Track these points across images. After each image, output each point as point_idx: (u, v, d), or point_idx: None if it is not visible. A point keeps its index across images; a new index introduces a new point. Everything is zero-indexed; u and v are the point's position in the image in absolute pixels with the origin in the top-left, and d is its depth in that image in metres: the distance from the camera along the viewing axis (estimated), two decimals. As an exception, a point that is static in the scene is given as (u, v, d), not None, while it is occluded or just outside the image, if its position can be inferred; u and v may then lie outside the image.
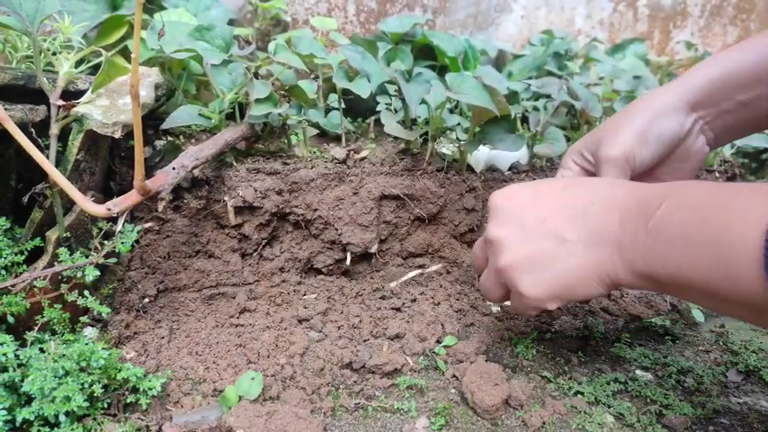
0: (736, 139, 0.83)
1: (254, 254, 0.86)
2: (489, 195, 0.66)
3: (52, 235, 0.69)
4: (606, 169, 0.69)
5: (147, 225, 0.77)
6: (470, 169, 0.95)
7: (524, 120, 1.05)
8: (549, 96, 0.97)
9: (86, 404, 0.56)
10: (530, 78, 1.16)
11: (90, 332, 0.71)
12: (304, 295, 0.87)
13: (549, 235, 0.59)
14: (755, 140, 1.10)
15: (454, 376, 0.72)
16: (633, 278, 0.54)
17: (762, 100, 0.69)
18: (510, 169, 0.99)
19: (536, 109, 0.95)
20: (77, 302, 0.66)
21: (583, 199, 0.59)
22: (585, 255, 0.57)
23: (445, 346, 0.77)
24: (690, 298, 0.54)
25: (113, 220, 0.67)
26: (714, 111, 0.70)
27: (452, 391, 0.69)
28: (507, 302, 0.67)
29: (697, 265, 0.46)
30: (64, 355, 0.58)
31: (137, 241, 0.78)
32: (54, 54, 0.76)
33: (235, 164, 0.83)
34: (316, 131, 0.99)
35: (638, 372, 0.76)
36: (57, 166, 0.64)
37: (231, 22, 1.12)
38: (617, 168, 0.68)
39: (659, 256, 0.50)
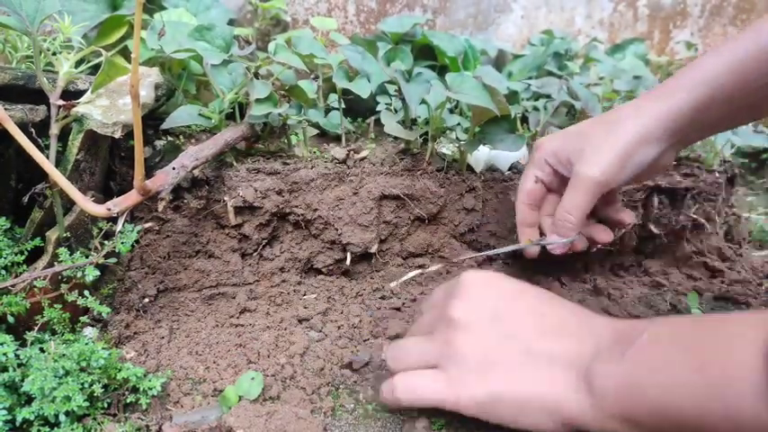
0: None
1: (254, 254, 0.86)
2: (463, 273, 0.59)
3: (52, 235, 0.69)
4: (580, 185, 0.68)
5: (147, 225, 0.77)
6: (470, 169, 0.95)
7: (524, 120, 1.05)
8: (549, 96, 0.97)
9: (86, 404, 0.56)
10: (530, 78, 1.16)
11: (90, 332, 0.71)
12: (304, 295, 0.87)
13: (519, 340, 0.53)
14: (756, 140, 1.10)
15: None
16: (602, 419, 0.46)
17: (739, 115, 0.69)
18: (510, 169, 0.99)
19: (536, 109, 0.95)
20: (77, 302, 0.66)
21: (562, 317, 0.54)
22: (546, 374, 0.51)
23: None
24: None
25: (113, 220, 0.67)
26: (696, 135, 0.71)
27: (452, 391, 0.69)
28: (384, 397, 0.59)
29: (686, 399, 0.40)
30: (64, 355, 0.58)
31: (137, 241, 0.78)
32: (54, 54, 0.76)
33: (235, 164, 0.83)
34: (316, 131, 0.99)
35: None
36: (57, 166, 0.64)
37: (231, 22, 1.12)
38: (592, 188, 0.67)
39: (637, 390, 0.44)
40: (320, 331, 0.79)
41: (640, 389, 0.44)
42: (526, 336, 0.53)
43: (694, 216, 1.08)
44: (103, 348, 0.61)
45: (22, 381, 0.55)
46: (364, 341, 0.78)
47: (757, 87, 0.64)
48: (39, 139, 0.68)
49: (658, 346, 0.45)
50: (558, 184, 0.76)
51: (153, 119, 0.86)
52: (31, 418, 0.54)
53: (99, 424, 0.58)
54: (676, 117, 0.66)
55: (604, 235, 0.78)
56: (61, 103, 0.66)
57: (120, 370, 0.61)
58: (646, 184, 1.03)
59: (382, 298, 0.88)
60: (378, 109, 0.98)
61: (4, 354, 0.56)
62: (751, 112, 0.70)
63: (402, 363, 0.59)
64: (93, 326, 0.73)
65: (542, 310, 0.55)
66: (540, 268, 1.01)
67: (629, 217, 0.79)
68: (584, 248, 0.78)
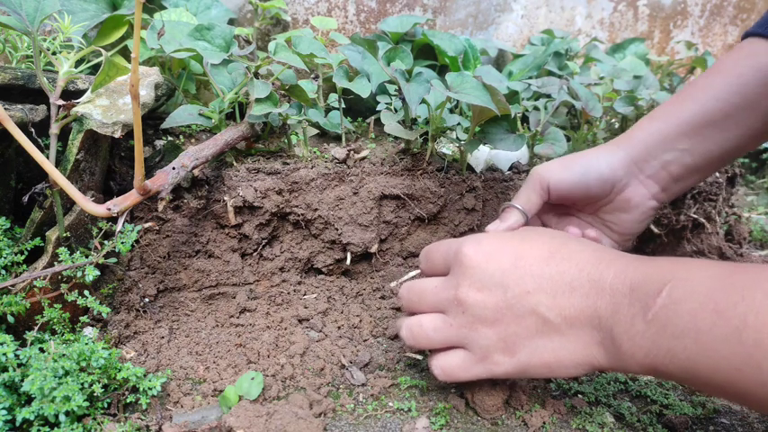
0: (689, 188, 0.84)
1: (254, 254, 0.86)
2: (461, 246, 0.59)
3: (52, 235, 0.69)
4: (528, 179, 0.72)
5: (147, 225, 0.77)
6: (470, 169, 0.95)
7: (524, 119, 1.04)
8: (549, 96, 0.97)
9: (86, 404, 0.56)
10: (530, 78, 1.16)
11: (90, 332, 0.71)
12: (304, 295, 0.87)
13: (533, 311, 0.54)
14: (756, 140, 1.09)
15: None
16: (636, 368, 0.49)
17: (704, 144, 0.71)
18: (510, 169, 0.99)
19: (536, 109, 0.95)
20: (77, 302, 0.66)
21: (569, 274, 0.54)
22: (570, 337, 0.53)
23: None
24: (712, 394, 0.48)
25: (113, 219, 0.67)
26: (656, 163, 0.72)
27: (452, 391, 0.69)
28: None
29: (718, 364, 0.41)
30: (64, 355, 0.58)
31: (137, 241, 0.78)
32: (54, 54, 0.76)
33: (235, 164, 0.83)
34: (316, 131, 0.99)
35: (639, 372, 0.76)
36: (57, 165, 0.64)
37: (231, 22, 1.11)
38: (531, 181, 0.71)
39: (667, 352, 0.45)
40: (320, 331, 0.79)
41: (670, 353, 0.44)
42: (539, 306, 0.54)
43: (695, 216, 1.08)
44: (103, 348, 0.61)
45: (22, 381, 0.55)
46: (364, 341, 0.78)
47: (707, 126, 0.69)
48: (39, 139, 0.68)
49: (683, 307, 0.44)
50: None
51: (153, 118, 0.86)
52: (31, 418, 0.53)
53: (99, 424, 0.58)
54: (632, 141, 0.72)
55: None
56: (61, 102, 0.66)
57: (120, 370, 0.61)
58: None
59: (382, 298, 0.88)
60: (378, 109, 0.98)
61: (4, 354, 0.56)
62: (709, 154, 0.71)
63: (422, 343, 0.61)
64: (93, 326, 0.73)
65: (548, 272, 0.55)
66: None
67: (570, 232, 0.76)
68: None
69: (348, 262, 0.89)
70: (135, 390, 0.63)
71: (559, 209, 0.77)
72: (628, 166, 0.72)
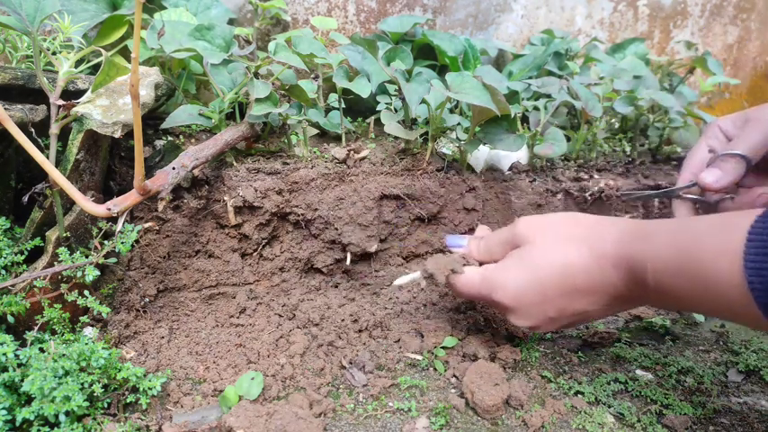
0: None
1: (254, 254, 0.86)
2: (486, 291, 0.67)
3: (52, 235, 0.69)
4: (747, 121, 0.69)
5: (147, 225, 0.77)
6: (470, 169, 0.95)
7: (524, 119, 1.04)
8: (549, 96, 0.97)
9: (86, 404, 0.56)
10: (530, 78, 1.16)
11: (90, 332, 0.71)
12: (304, 295, 0.87)
13: (574, 314, 0.64)
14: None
15: (454, 376, 0.71)
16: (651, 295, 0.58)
17: None
18: (510, 169, 0.99)
19: (536, 109, 0.95)
20: (77, 302, 0.66)
21: (580, 279, 0.62)
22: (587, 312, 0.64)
23: (444, 347, 0.77)
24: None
25: (113, 219, 0.67)
26: None
27: (452, 391, 0.69)
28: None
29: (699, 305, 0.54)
30: (64, 355, 0.58)
31: (137, 241, 0.77)
32: (54, 54, 0.76)
33: (235, 164, 0.83)
34: (316, 131, 0.99)
35: (639, 371, 0.75)
36: (57, 166, 0.64)
37: (231, 22, 1.11)
38: (750, 124, 0.68)
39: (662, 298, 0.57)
40: (320, 331, 0.79)
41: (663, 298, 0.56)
42: (578, 309, 0.63)
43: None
44: (103, 348, 0.61)
45: (22, 381, 0.55)
46: (364, 342, 0.78)
47: None
48: (39, 139, 0.68)
49: (665, 283, 0.54)
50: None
51: (153, 118, 0.86)
52: (31, 417, 0.53)
53: (99, 424, 0.58)
54: None
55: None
56: (61, 102, 0.66)
57: (120, 370, 0.61)
58: (646, 183, 1.03)
59: (382, 298, 0.88)
60: (378, 109, 0.98)
61: (4, 354, 0.56)
62: None
63: (467, 294, 0.71)
64: (93, 326, 0.73)
65: (572, 291, 0.62)
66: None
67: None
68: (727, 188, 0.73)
69: (348, 262, 0.89)
70: (135, 390, 0.63)
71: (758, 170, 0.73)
72: None
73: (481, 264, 0.71)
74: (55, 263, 0.66)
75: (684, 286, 0.52)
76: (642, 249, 0.56)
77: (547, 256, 0.63)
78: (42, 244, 0.69)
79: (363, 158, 0.90)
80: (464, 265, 0.70)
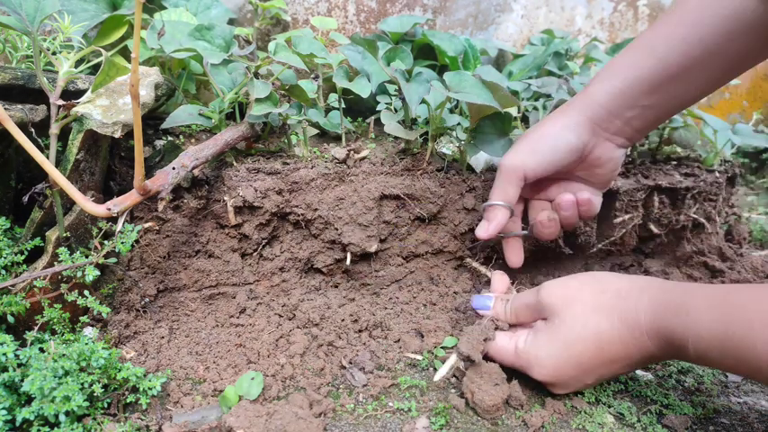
0: (652, 130, 0.86)
1: (254, 254, 0.86)
2: (522, 366, 0.67)
3: (52, 235, 0.69)
4: (499, 173, 0.76)
5: (147, 225, 0.77)
6: (470, 169, 0.95)
7: (524, 119, 1.04)
8: (549, 96, 0.97)
9: (86, 404, 0.56)
10: (530, 78, 1.16)
11: (90, 332, 0.71)
12: (304, 295, 0.87)
13: (612, 375, 0.65)
14: (755, 140, 1.10)
15: (454, 376, 0.71)
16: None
17: (666, 98, 0.72)
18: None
19: (536, 108, 0.95)
20: (77, 302, 0.66)
21: (615, 359, 0.62)
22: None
23: (444, 347, 0.77)
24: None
25: (113, 219, 0.67)
26: (619, 122, 0.75)
27: (452, 391, 0.69)
28: None
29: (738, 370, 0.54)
30: (64, 355, 0.58)
31: (137, 241, 0.77)
32: (54, 54, 0.76)
33: (235, 164, 0.83)
34: (316, 131, 0.99)
35: (639, 371, 0.76)
36: (57, 166, 0.64)
37: (231, 22, 1.11)
38: (506, 175, 0.76)
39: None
40: (320, 331, 0.79)
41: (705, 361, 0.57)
42: (597, 373, 0.64)
43: (694, 216, 1.08)
44: (103, 348, 0.61)
45: (22, 381, 0.55)
46: (364, 342, 0.78)
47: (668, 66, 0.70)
48: (39, 139, 0.68)
49: (708, 357, 0.55)
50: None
51: (153, 118, 0.86)
52: (31, 417, 0.53)
53: (99, 424, 0.58)
54: (591, 104, 0.74)
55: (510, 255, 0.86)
56: (61, 102, 0.66)
57: (120, 370, 0.61)
58: (646, 183, 1.03)
59: (382, 298, 0.88)
60: (378, 109, 0.98)
61: (4, 354, 0.56)
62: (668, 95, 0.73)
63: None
64: (93, 326, 0.73)
65: (605, 361, 0.63)
66: (540, 268, 1.01)
67: (564, 200, 0.81)
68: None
69: (348, 262, 0.89)
70: (135, 390, 0.63)
71: (535, 184, 0.81)
72: (592, 129, 0.75)
73: (510, 325, 0.72)
74: (55, 263, 0.66)
75: (729, 363, 0.53)
76: (681, 324, 0.56)
77: (577, 330, 0.62)
78: (42, 244, 0.69)
79: (363, 158, 0.90)
80: (495, 328, 0.71)
